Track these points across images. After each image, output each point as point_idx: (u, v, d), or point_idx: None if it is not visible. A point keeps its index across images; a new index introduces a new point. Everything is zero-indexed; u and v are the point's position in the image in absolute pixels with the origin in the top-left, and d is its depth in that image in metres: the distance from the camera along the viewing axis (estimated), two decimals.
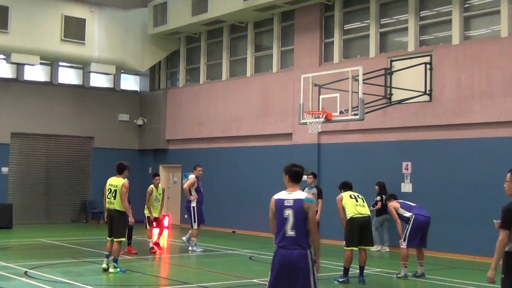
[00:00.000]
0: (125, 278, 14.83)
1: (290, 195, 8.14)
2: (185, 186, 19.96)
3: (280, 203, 8.11)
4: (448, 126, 19.92)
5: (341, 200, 14.79)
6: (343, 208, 14.73)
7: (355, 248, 14.46)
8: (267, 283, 8.11)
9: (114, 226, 15.23)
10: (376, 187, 20.86)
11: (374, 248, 19.16)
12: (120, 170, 15.42)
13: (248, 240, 21.61)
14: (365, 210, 14.68)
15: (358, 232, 14.43)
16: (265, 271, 16.52)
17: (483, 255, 18.33)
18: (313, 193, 19.79)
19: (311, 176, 20.27)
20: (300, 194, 8.15)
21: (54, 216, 29.57)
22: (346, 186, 15.25)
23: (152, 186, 19.77)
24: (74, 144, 30.31)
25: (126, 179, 15.51)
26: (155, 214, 19.73)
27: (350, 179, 21.54)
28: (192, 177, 19.85)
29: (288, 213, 8.02)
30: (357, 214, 14.48)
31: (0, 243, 21.33)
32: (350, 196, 14.77)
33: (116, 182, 15.27)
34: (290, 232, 7.97)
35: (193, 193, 19.75)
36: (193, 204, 19.70)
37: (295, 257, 7.91)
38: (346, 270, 14.46)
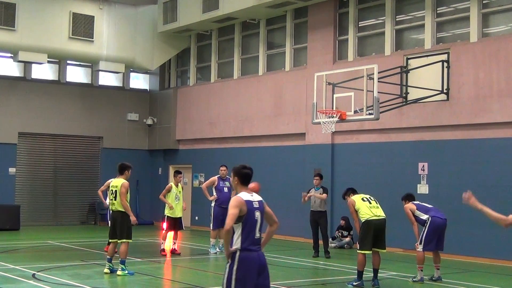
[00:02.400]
0: (134, 281, 14.67)
1: (253, 197, 8.21)
2: (203, 185, 20.43)
3: (251, 205, 8.10)
4: (466, 126, 19.61)
5: (354, 204, 14.46)
6: (356, 211, 14.40)
7: (368, 252, 14.11)
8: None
9: (117, 227, 15.14)
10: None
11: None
12: (121, 171, 15.31)
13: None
14: (380, 212, 14.35)
15: (373, 235, 14.09)
16: (275, 274, 16.44)
17: (501, 258, 18.21)
18: (320, 194, 19.66)
19: (317, 178, 20.05)
20: (258, 196, 8.31)
21: (62, 218, 29.42)
22: (352, 190, 15.09)
23: (172, 183, 19.61)
24: (83, 144, 30.09)
25: (126, 180, 15.36)
26: (179, 214, 19.45)
27: (365, 180, 21.61)
28: (214, 176, 20.25)
29: (257, 215, 8.12)
30: (373, 216, 14.14)
31: (8, 245, 21.32)
32: (363, 199, 14.44)
33: (117, 183, 15.18)
34: (257, 234, 8.12)
35: (214, 193, 19.94)
36: (212, 204, 19.97)
37: (263, 258, 8.14)
38: (360, 274, 14.18)
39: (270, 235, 8.43)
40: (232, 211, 7.99)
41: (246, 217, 8.04)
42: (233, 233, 8.05)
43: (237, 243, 8.01)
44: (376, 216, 14.16)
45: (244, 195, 8.15)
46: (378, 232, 14.16)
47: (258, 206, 8.16)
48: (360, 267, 14.15)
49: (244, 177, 8.37)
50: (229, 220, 7.95)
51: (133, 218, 15.28)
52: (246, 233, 8.03)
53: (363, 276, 14.22)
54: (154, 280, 15.27)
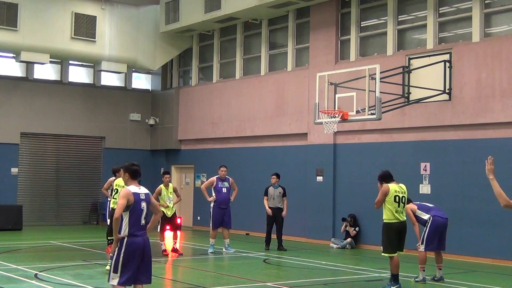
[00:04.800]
0: None
1: (140, 189, 9.62)
2: (202, 185, 20.49)
3: (137, 196, 9.49)
4: (468, 126, 19.55)
5: (386, 194, 13.75)
6: (383, 200, 13.79)
7: (394, 254, 13.73)
8: (121, 271, 9.32)
9: None
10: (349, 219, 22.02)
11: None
12: (113, 172, 16.12)
13: (262, 243, 21.41)
14: (403, 217, 13.86)
15: (396, 236, 13.74)
16: (279, 274, 16.54)
17: (504, 258, 18.16)
18: (279, 192, 21.06)
19: (274, 176, 21.22)
20: (145, 189, 9.74)
21: (64, 218, 29.39)
22: (388, 178, 14.19)
23: (161, 185, 19.44)
24: (85, 144, 30.07)
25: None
26: (168, 213, 19.35)
27: (367, 180, 21.61)
28: (213, 177, 20.27)
29: (144, 205, 9.52)
30: (394, 220, 13.70)
31: (10, 245, 21.29)
32: (395, 199, 13.74)
33: (122, 182, 15.29)
34: (143, 221, 9.52)
35: (213, 193, 19.99)
36: (211, 204, 20.00)
37: (147, 241, 9.58)
38: (395, 277, 13.79)
39: (154, 223, 10.06)
40: (121, 201, 9.30)
41: (133, 206, 9.39)
42: (122, 220, 9.34)
43: (125, 230, 9.36)
44: (397, 220, 13.71)
45: (132, 188, 9.53)
46: (400, 234, 13.81)
47: (144, 197, 9.57)
48: (394, 270, 13.75)
49: (133, 173, 9.70)
50: (118, 209, 9.26)
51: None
52: (133, 221, 9.40)
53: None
54: (156, 280, 15.12)
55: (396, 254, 13.75)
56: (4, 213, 26.09)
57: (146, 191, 9.69)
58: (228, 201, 20.09)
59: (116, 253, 9.36)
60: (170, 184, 19.59)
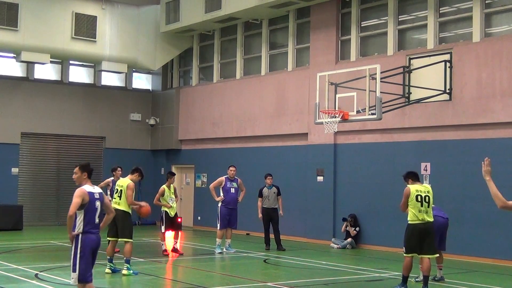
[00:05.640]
0: (137, 281, 14.70)
1: (95, 189, 9.99)
2: (210, 185, 20.64)
3: (92, 195, 9.85)
4: (468, 126, 19.56)
5: (408, 196, 13.46)
6: (407, 203, 13.53)
7: (416, 255, 13.50)
8: (79, 268, 9.67)
9: (118, 226, 15.30)
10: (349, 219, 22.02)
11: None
12: (132, 171, 15.78)
13: (262, 243, 21.43)
14: (428, 217, 13.53)
15: (418, 238, 13.44)
16: (279, 274, 16.54)
17: (504, 258, 18.16)
18: (274, 192, 21.21)
19: (270, 177, 21.42)
20: (99, 189, 10.18)
21: (65, 218, 28.64)
22: (413, 176, 13.92)
23: (164, 186, 19.37)
24: (85, 144, 30.07)
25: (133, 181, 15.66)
26: (171, 213, 19.33)
27: (367, 180, 21.63)
28: (222, 177, 20.41)
29: (98, 204, 9.90)
30: (417, 221, 13.41)
31: (10, 245, 21.29)
32: (417, 198, 13.45)
33: (123, 182, 15.53)
34: (97, 220, 9.92)
35: (221, 193, 20.12)
36: (219, 204, 20.09)
37: (99, 240, 10.00)
38: (404, 279, 13.68)
39: (107, 221, 10.54)
40: (76, 200, 9.67)
41: (88, 205, 9.77)
42: (76, 218, 9.74)
43: (80, 227, 9.77)
44: (421, 221, 13.41)
45: (87, 187, 9.89)
46: (424, 236, 13.45)
47: (98, 197, 9.96)
48: (405, 272, 13.61)
49: (90, 173, 10.13)
50: (72, 208, 9.66)
51: (143, 203, 15.57)
52: (88, 219, 9.79)
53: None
54: (157, 280, 15.24)
55: (411, 255, 13.45)
56: (4, 213, 26.07)
57: (100, 190, 10.14)
58: (236, 202, 20.17)
59: (73, 252, 9.77)
60: (172, 185, 19.60)
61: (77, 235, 9.76)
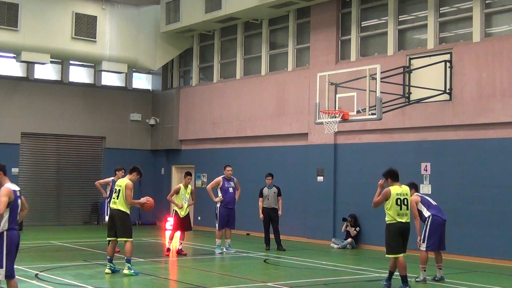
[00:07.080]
0: (137, 281, 14.66)
1: (15, 187, 10.31)
2: (208, 186, 20.60)
3: (15, 193, 10.19)
4: (468, 126, 19.54)
5: (386, 198, 13.57)
6: (382, 203, 13.67)
7: (400, 255, 13.56)
8: (6, 264, 9.95)
9: (117, 226, 15.28)
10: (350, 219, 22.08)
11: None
12: (130, 171, 15.71)
13: (262, 243, 21.43)
14: (407, 218, 13.66)
15: (401, 237, 13.55)
16: (279, 274, 16.54)
17: (504, 258, 18.16)
18: (274, 192, 21.23)
19: (270, 178, 21.42)
20: (17, 187, 10.44)
21: (65, 218, 29.40)
22: (393, 176, 13.84)
23: (181, 185, 19.59)
24: (85, 144, 30.07)
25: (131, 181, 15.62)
26: (182, 213, 19.41)
27: (367, 180, 21.56)
28: (219, 177, 20.34)
29: (19, 201, 10.26)
30: (395, 221, 13.52)
31: None
32: (397, 201, 13.54)
33: (121, 182, 15.49)
34: (18, 216, 10.24)
35: (219, 193, 20.07)
36: (217, 204, 20.10)
37: (20, 235, 10.32)
38: (404, 278, 13.67)
39: (22, 218, 10.60)
40: (4, 198, 9.95)
41: (13, 203, 10.10)
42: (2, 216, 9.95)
43: (5, 225, 10.00)
44: (399, 222, 13.53)
45: (11, 186, 10.23)
46: (403, 235, 13.60)
47: (19, 194, 10.31)
48: (402, 272, 13.61)
49: (5, 170, 10.47)
50: (2, 206, 9.88)
51: (143, 200, 15.66)
52: (12, 216, 10.09)
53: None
54: (157, 280, 15.23)
55: (401, 255, 13.57)
56: None
57: (18, 188, 10.43)
58: (234, 201, 20.20)
59: None
60: (189, 186, 19.60)
61: (2, 232, 10.00)
